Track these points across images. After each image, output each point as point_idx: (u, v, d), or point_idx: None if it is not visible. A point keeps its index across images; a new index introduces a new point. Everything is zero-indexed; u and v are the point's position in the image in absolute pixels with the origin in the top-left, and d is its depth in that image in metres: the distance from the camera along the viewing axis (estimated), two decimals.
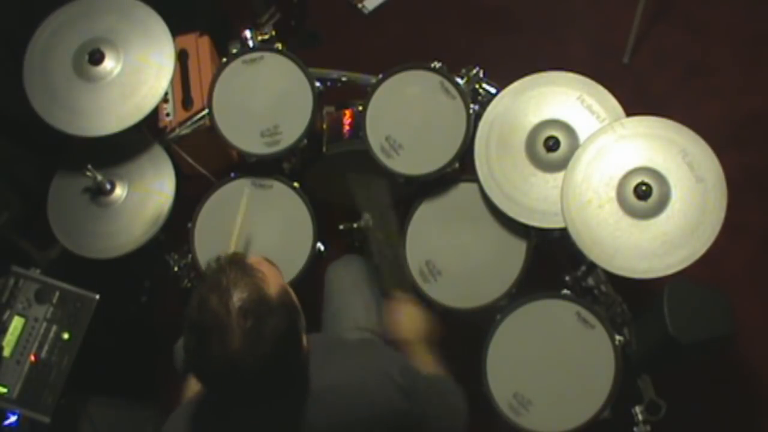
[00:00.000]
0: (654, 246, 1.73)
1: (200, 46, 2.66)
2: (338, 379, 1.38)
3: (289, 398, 1.34)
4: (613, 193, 1.77)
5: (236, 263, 1.25)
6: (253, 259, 1.29)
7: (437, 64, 1.98)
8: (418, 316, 1.74)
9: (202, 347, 1.19)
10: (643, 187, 1.74)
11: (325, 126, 2.22)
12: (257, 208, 2.06)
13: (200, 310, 1.20)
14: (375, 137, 1.99)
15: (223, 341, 1.17)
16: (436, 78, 1.98)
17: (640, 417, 1.81)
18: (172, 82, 2.05)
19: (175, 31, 2.08)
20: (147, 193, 2.07)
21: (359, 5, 3.10)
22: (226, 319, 1.17)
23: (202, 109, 2.24)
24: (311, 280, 2.02)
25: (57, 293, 1.97)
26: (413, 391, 1.41)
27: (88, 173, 1.98)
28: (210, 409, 1.39)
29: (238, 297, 1.19)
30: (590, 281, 1.98)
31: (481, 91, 2.07)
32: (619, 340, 1.77)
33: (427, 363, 1.63)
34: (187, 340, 1.22)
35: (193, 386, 1.62)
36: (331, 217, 2.19)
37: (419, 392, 1.44)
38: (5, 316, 1.94)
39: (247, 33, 2.10)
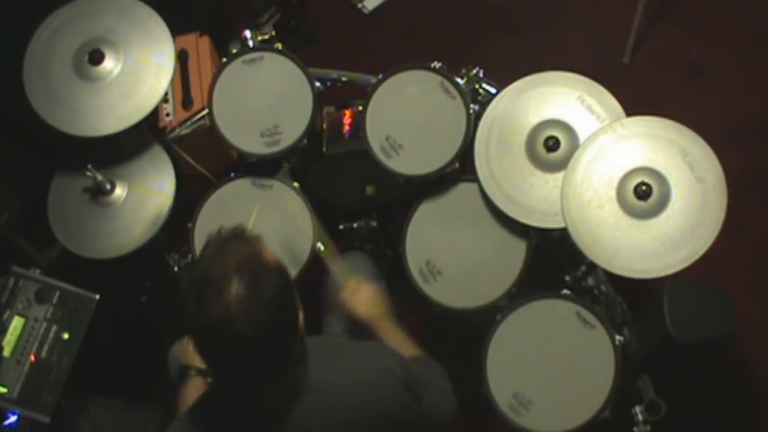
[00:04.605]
0: (654, 246, 1.73)
1: (200, 46, 2.66)
2: (341, 378, 1.39)
3: (290, 394, 1.34)
4: (613, 193, 1.77)
5: (237, 234, 1.28)
6: (253, 233, 1.31)
7: (437, 64, 1.98)
8: (376, 293, 1.74)
9: (199, 301, 1.20)
10: (643, 187, 1.74)
11: (325, 126, 2.22)
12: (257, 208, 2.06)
13: (202, 270, 1.23)
14: (375, 137, 1.99)
15: (220, 294, 1.18)
16: (436, 78, 1.98)
17: (640, 417, 1.81)
18: (172, 82, 2.05)
19: (175, 31, 2.08)
20: (147, 193, 2.07)
21: (359, 5, 3.10)
22: (225, 274, 1.19)
23: (202, 109, 2.24)
24: (311, 280, 2.02)
25: (57, 293, 1.97)
26: (412, 382, 1.43)
27: (88, 173, 1.98)
28: (210, 411, 1.39)
29: (237, 258, 1.22)
30: (590, 281, 1.98)
31: (481, 91, 2.07)
32: (619, 340, 1.77)
33: (400, 339, 1.64)
34: (185, 298, 1.23)
35: (190, 393, 1.63)
36: (331, 217, 2.20)
37: (417, 382, 1.45)
38: (5, 316, 1.94)
39: (247, 33, 2.10)
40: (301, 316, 1.31)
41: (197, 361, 1.62)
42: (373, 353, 1.52)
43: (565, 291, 1.85)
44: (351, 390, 1.39)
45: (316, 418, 1.35)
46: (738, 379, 2.32)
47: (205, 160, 2.29)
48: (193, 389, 1.63)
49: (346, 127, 2.18)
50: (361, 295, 1.72)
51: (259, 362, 1.25)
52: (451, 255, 1.97)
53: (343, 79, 2.25)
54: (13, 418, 1.88)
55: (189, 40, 2.65)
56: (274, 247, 1.99)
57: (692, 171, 1.74)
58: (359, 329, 1.72)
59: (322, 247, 1.99)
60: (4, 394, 1.87)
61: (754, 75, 2.75)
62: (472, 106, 1.96)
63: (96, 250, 2.05)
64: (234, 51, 2.09)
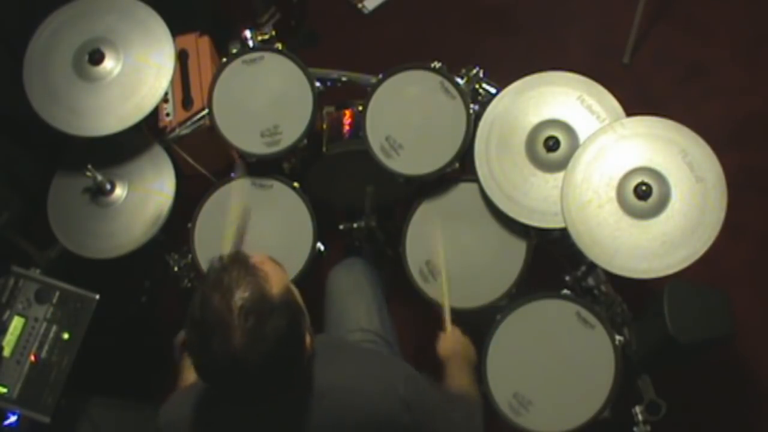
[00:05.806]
0: (654, 246, 1.73)
1: (200, 46, 2.66)
2: (342, 380, 1.39)
3: (291, 396, 1.34)
4: (613, 193, 1.77)
5: (239, 262, 1.25)
6: (256, 257, 1.28)
7: (437, 64, 1.98)
8: (465, 341, 1.79)
9: (204, 345, 1.20)
10: (643, 187, 1.74)
11: (325, 126, 2.22)
12: (257, 208, 2.06)
13: (202, 308, 1.20)
14: (375, 137, 1.99)
15: (224, 340, 1.18)
16: (436, 78, 1.97)
17: (640, 417, 1.81)
18: (172, 82, 2.05)
19: (175, 31, 2.07)
20: (147, 193, 2.07)
21: (359, 5, 3.10)
22: (228, 317, 1.18)
23: (202, 109, 2.24)
24: (311, 280, 2.02)
25: (57, 293, 1.97)
26: (416, 405, 1.40)
27: (88, 173, 1.98)
28: (213, 400, 1.39)
29: (240, 296, 1.19)
30: (590, 281, 1.98)
31: (481, 91, 2.07)
32: (619, 340, 1.77)
33: (460, 381, 1.65)
34: (189, 338, 1.23)
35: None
36: (331, 217, 2.20)
37: (423, 406, 1.43)
38: (5, 316, 1.93)
39: (247, 33, 2.10)
40: (308, 340, 1.30)
41: None
42: (378, 363, 1.51)
43: (565, 291, 1.85)
44: (347, 393, 1.38)
45: (313, 417, 1.35)
46: (738, 379, 2.32)
47: (205, 160, 2.29)
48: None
49: (346, 127, 2.18)
50: (452, 339, 1.77)
51: (261, 386, 1.25)
52: (451, 255, 1.97)
53: (343, 79, 2.25)
54: (13, 418, 1.88)
55: (189, 40, 2.65)
56: (273, 248, 2.02)
57: (692, 171, 1.74)
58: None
59: (321, 247, 1.99)
60: (4, 394, 1.87)
61: (754, 75, 2.75)
62: (472, 106, 1.96)
63: (96, 250, 2.04)
64: (234, 51, 2.09)
